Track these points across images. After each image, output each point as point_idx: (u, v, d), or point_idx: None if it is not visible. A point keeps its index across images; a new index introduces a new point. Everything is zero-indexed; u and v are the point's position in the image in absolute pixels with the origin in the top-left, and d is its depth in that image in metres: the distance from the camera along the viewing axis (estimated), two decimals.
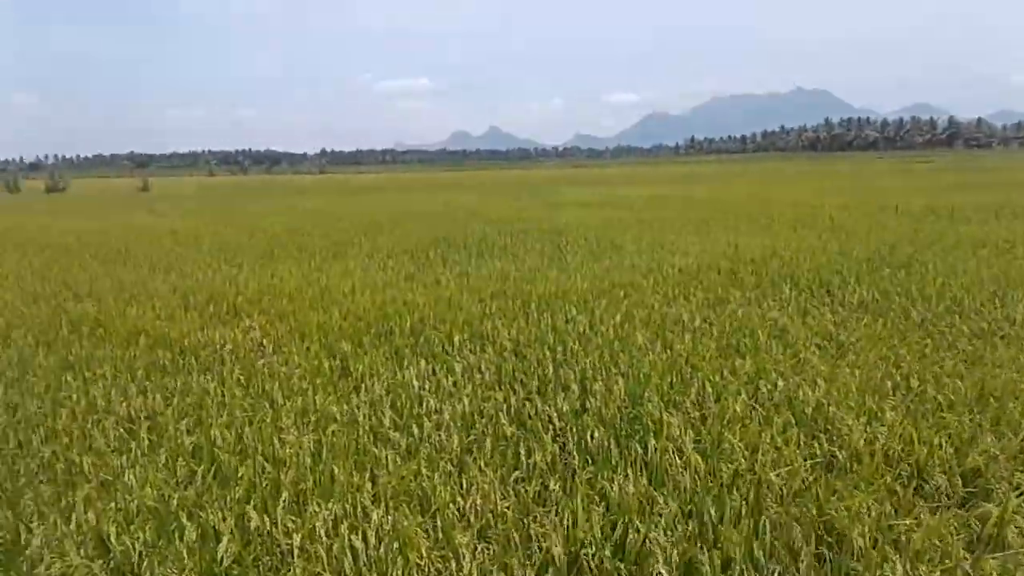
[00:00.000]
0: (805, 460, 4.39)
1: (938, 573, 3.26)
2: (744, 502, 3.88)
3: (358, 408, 5.56)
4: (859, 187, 38.14)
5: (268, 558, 3.47)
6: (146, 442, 5.10)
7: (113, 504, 3.99)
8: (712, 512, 3.73)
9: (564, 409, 5.31)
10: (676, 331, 7.60)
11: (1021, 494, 4.06)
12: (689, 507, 3.88)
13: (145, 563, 3.41)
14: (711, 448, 4.56)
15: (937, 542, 3.50)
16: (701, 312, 8.48)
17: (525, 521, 3.81)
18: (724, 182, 51.22)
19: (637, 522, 3.65)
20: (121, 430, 5.34)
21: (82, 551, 3.48)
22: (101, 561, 3.42)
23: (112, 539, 3.63)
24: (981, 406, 5.26)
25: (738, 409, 5.13)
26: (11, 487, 4.36)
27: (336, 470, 4.43)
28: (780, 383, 5.65)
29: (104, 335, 8.17)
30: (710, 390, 5.60)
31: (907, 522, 3.69)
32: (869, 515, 3.76)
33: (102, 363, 7.02)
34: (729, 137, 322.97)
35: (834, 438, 4.79)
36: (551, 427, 5.07)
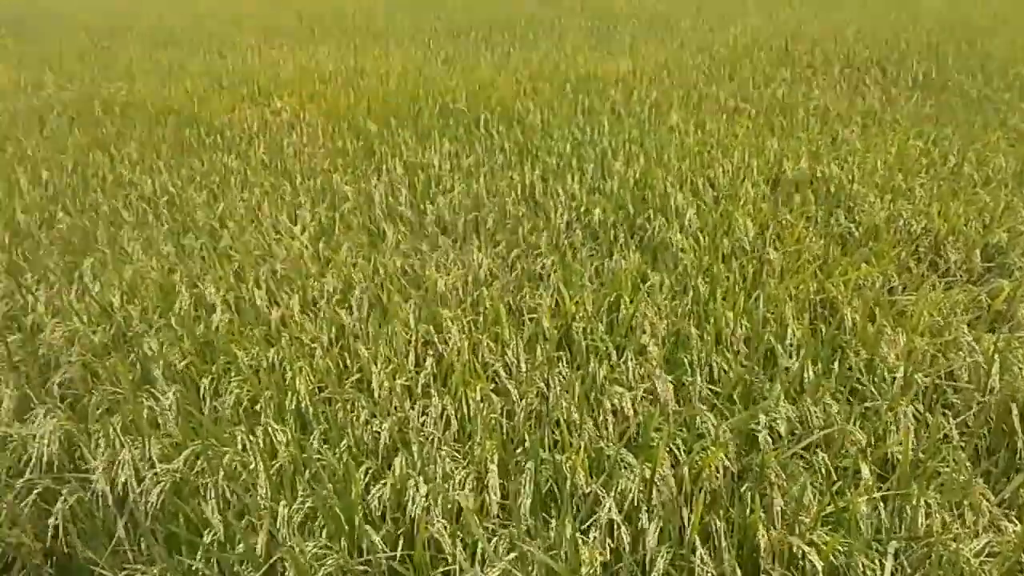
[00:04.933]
0: (816, 236, 4.27)
1: (933, 348, 3.18)
2: (740, 278, 3.82)
3: (376, 188, 5.52)
4: None
5: (259, 328, 3.56)
6: (164, 216, 5.19)
7: (119, 275, 4.08)
8: (702, 288, 3.67)
9: (575, 188, 5.20)
10: (712, 111, 7.29)
11: None
12: (684, 282, 3.83)
13: (143, 330, 3.53)
14: (716, 226, 4.44)
15: (939, 317, 3.40)
16: (743, 91, 8.08)
17: (518, 297, 3.81)
18: None
19: (626, 298, 3.62)
20: (144, 205, 5.41)
21: (85, 318, 3.60)
22: (103, 327, 3.55)
23: (115, 307, 3.75)
24: (1019, 182, 5.01)
25: (751, 189, 4.97)
26: (29, 257, 4.51)
27: (343, 241, 4.48)
28: (806, 162, 5.42)
29: (135, 114, 8.18)
30: (728, 169, 5.41)
31: (911, 297, 3.59)
32: (871, 288, 3.68)
33: (130, 142, 7.07)
34: None
35: (854, 216, 4.64)
36: (559, 206, 4.98)
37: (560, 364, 3.22)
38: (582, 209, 4.91)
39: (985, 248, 4.15)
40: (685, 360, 3.13)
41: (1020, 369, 2.89)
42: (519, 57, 11.19)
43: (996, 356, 2.92)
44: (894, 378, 2.96)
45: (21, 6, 25.91)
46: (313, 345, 3.39)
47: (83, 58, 12.80)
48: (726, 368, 3.09)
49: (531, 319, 3.60)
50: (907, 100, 7.42)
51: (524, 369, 3.20)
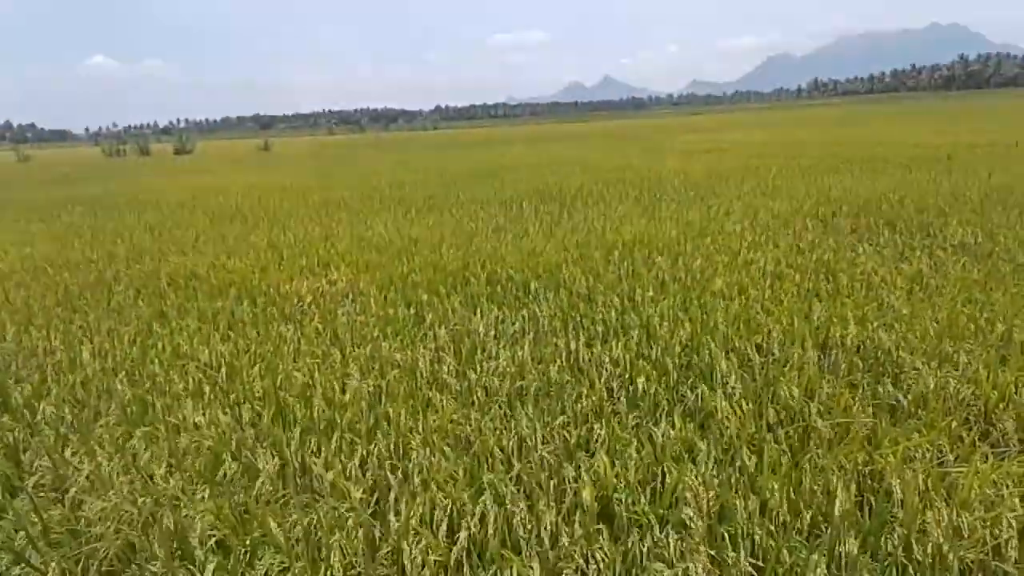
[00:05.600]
0: (864, 406, 4.19)
1: (982, 524, 3.04)
2: (785, 449, 3.74)
3: (422, 355, 5.62)
4: (988, 125, 35.73)
5: (304, 495, 3.58)
6: (219, 386, 5.32)
7: (167, 445, 4.17)
8: (746, 459, 3.60)
9: (620, 355, 5.23)
10: (756, 277, 7.35)
11: None
12: (731, 452, 3.76)
13: (184, 502, 3.57)
14: (763, 394, 4.39)
15: (989, 491, 3.27)
16: (787, 257, 8.17)
17: (562, 465, 3.78)
18: (844, 125, 48.84)
19: (673, 468, 3.56)
20: (200, 375, 5.57)
21: (126, 490, 3.66)
22: (143, 499, 3.59)
23: (157, 479, 3.81)
24: None
25: (798, 354, 4.95)
26: (81, 430, 4.64)
27: (391, 413, 4.51)
28: (854, 328, 5.39)
29: (198, 286, 8.55)
30: (777, 335, 5.40)
31: (961, 469, 3.47)
32: (921, 460, 3.56)
33: (191, 313, 7.36)
34: (856, 78, 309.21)
35: (901, 383, 4.55)
36: (604, 372, 5.00)
37: (600, 538, 3.16)
38: (627, 376, 4.91)
39: None
40: (727, 535, 3.04)
41: None
42: (568, 225, 11.52)
43: None
44: (941, 556, 2.83)
45: (99, 185, 27.73)
46: (348, 514, 3.37)
47: (153, 231, 13.55)
48: (771, 544, 2.98)
49: (572, 489, 3.55)
50: (954, 265, 7.41)
51: (565, 542, 3.13)
